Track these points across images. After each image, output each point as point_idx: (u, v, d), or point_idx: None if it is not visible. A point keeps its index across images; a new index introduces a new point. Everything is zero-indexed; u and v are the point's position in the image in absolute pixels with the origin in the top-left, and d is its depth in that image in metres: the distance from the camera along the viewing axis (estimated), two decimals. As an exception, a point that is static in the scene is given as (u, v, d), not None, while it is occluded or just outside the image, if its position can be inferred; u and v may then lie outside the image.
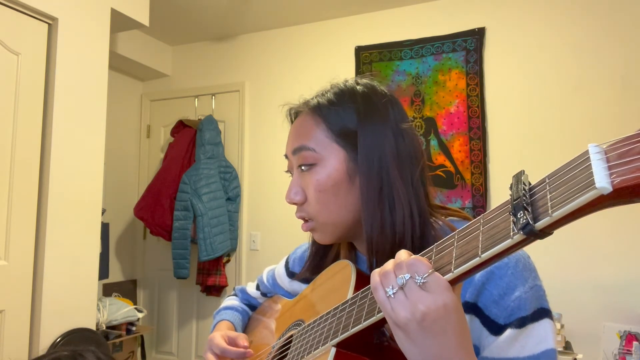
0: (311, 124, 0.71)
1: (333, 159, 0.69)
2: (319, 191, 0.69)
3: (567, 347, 2.21)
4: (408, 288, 0.47)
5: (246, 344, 0.81)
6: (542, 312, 0.59)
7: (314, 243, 0.81)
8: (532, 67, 2.56)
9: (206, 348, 0.84)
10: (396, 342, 0.50)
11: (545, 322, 0.59)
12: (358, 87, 0.73)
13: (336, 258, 0.79)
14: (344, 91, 0.72)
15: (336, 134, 0.69)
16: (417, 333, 0.47)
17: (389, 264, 0.50)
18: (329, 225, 0.70)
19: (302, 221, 0.74)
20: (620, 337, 2.18)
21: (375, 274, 0.50)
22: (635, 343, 2.09)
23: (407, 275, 0.47)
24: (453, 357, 0.47)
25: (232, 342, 0.82)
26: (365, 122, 0.69)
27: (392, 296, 0.47)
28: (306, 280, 0.84)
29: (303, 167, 0.70)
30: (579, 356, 2.16)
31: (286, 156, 0.75)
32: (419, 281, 0.46)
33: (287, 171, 0.78)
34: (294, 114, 0.77)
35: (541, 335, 0.57)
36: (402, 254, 0.50)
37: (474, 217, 0.48)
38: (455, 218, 0.71)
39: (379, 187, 0.67)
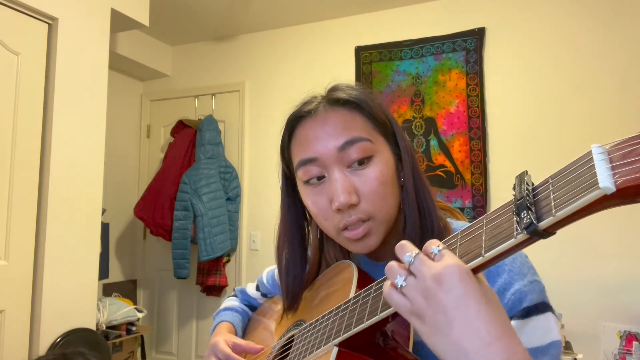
0: (353, 116, 0.67)
1: (384, 150, 0.68)
2: (382, 183, 0.64)
3: (567, 347, 2.21)
4: (417, 266, 0.44)
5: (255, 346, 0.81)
6: (545, 306, 0.59)
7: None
8: (532, 67, 2.56)
9: (209, 352, 0.83)
10: (400, 343, 0.49)
11: (549, 315, 0.58)
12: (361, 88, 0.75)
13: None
14: (358, 86, 0.73)
15: (376, 125, 0.68)
16: (437, 314, 0.42)
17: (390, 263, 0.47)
18: (384, 222, 0.66)
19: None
20: (620, 337, 2.18)
21: (387, 284, 0.47)
22: (635, 343, 2.09)
23: (414, 252, 0.45)
24: (487, 331, 0.40)
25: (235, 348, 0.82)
26: (389, 114, 0.71)
27: (404, 284, 0.44)
28: None
29: (364, 161, 0.65)
30: (579, 356, 2.16)
31: (310, 160, 0.66)
32: (434, 251, 0.44)
33: (309, 180, 0.67)
34: (322, 106, 0.69)
35: (546, 327, 0.57)
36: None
37: (474, 218, 0.48)
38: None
39: (413, 178, 0.68)
